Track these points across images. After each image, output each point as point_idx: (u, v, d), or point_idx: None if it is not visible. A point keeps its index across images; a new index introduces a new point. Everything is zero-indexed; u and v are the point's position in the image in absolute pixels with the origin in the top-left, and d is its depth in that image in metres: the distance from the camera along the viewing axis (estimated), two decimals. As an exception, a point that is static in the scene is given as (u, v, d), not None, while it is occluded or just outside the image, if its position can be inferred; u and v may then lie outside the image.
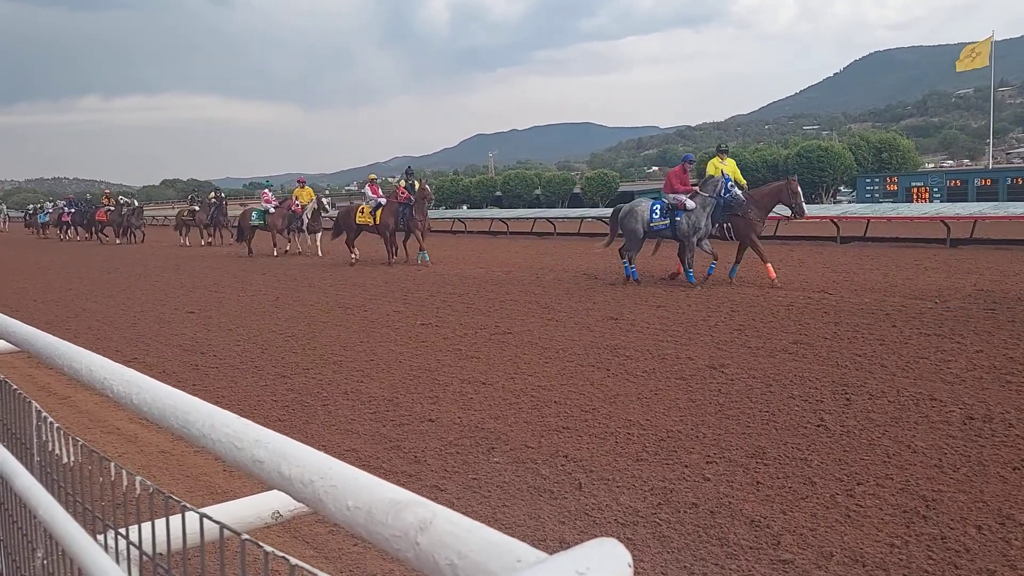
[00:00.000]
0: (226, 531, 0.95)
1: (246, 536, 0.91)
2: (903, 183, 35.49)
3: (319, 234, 21.39)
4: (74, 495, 1.43)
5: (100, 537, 1.24)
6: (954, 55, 33.03)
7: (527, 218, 29.25)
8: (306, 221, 21.36)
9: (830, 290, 10.82)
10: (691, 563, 3.40)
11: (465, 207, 57.32)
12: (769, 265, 11.58)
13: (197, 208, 28.65)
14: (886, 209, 22.14)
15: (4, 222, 52.95)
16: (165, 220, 48.89)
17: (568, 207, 53.76)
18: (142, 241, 30.02)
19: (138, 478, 1.15)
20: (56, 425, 1.53)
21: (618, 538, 0.58)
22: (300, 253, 21.67)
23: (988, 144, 52.26)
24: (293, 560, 0.83)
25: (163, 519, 1.09)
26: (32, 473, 1.59)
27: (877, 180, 38.33)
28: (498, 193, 66.40)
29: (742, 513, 3.85)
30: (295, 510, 1.19)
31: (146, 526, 1.12)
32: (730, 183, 11.88)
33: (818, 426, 5.08)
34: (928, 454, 4.49)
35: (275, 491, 0.80)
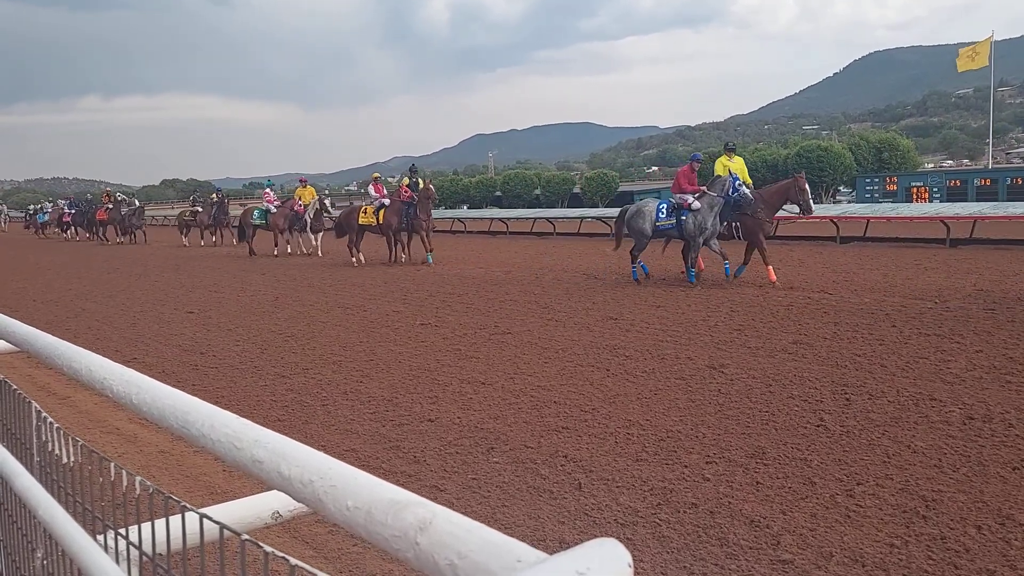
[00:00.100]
0: (226, 531, 0.95)
1: (246, 536, 0.91)
2: (903, 183, 35.50)
3: (321, 233, 21.33)
4: (74, 495, 1.43)
5: (100, 537, 1.24)
6: (954, 55, 33.03)
7: (527, 218, 29.27)
8: (309, 221, 21.26)
9: (830, 290, 10.82)
10: (691, 563, 3.40)
11: (465, 207, 57.32)
12: (770, 267, 11.56)
13: (199, 209, 28.56)
14: (886, 209, 22.17)
15: (5, 222, 52.90)
16: (165, 220, 48.89)
17: (568, 207, 53.78)
18: (144, 242, 29.99)
19: (138, 478, 1.15)
20: (56, 425, 1.53)
21: (618, 538, 0.58)
22: (303, 254, 21.51)
23: (988, 144, 52.27)
24: (293, 560, 0.83)
25: (163, 519, 1.09)
26: (32, 473, 1.59)
27: (877, 180, 38.34)
28: (498, 193, 66.40)
29: (742, 513, 3.85)
30: (295, 510, 1.19)
31: (146, 526, 1.12)
32: (738, 182, 11.79)
33: (818, 426, 5.09)
34: (928, 454, 4.49)
35: (275, 491, 0.80)
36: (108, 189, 38.31)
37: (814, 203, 12.72)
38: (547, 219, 27.86)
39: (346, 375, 7.09)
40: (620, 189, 63.13)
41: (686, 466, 4.51)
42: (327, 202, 21.92)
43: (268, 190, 24.11)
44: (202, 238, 27.98)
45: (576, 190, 66.55)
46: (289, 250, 21.81)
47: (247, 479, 1.06)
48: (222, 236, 27.52)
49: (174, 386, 1.06)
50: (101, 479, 1.27)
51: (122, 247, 28.82)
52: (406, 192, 17.29)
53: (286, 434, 0.82)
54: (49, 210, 41.88)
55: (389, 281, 14.34)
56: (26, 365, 7.31)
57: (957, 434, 4.80)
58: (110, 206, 31.74)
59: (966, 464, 4.32)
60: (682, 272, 12.56)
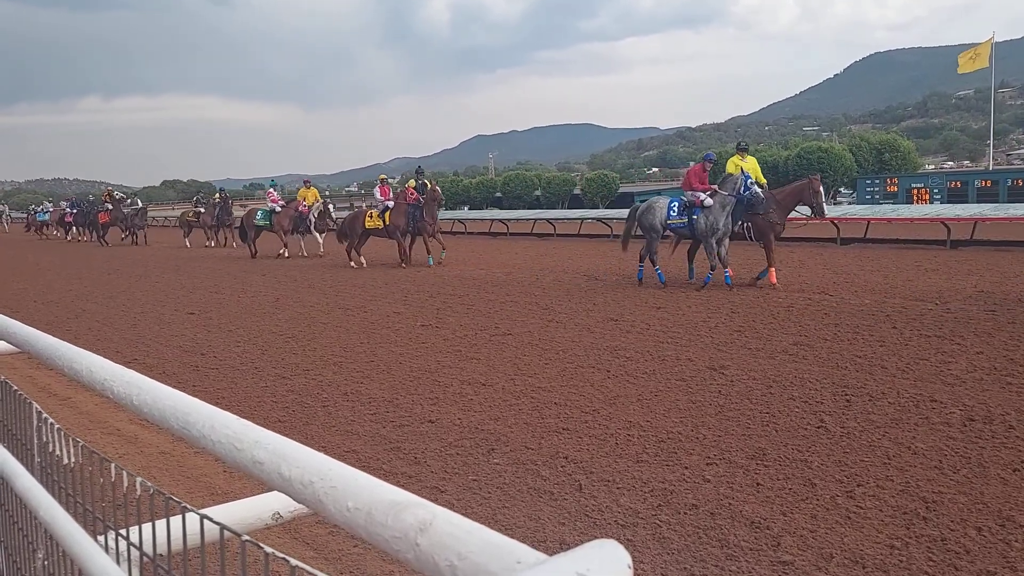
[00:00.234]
0: (226, 532, 0.95)
1: (246, 537, 0.91)
2: (903, 184, 35.51)
3: (324, 234, 21.23)
4: (75, 496, 1.44)
5: (101, 538, 1.24)
6: (954, 56, 33.03)
7: (527, 219, 29.27)
8: (313, 221, 21.14)
9: (830, 291, 10.82)
10: (691, 564, 3.40)
11: (465, 208, 57.33)
12: (773, 269, 11.52)
13: (202, 210, 28.39)
14: (886, 210, 22.16)
15: (7, 223, 52.89)
16: (165, 221, 48.88)
17: (568, 208, 53.78)
18: (144, 243, 29.95)
19: (138, 479, 1.15)
20: (57, 426, 1.54)
21: (618, 539, 0.58)
22: (305, 256, 21.37)
23: (988, 145, 52.27)
24: (293, 561, 0.83)
25: (163, 520, 1.09)
26: (33, 474, 1.59)
27: (877, 181, 38.35)
28: (498, 194, 66.39)
29: (742, 514, 3.85)
30: (295, 511, 1.20)
31: (146, 527, 1.12)
32: (750, 181, 11.63)
33: (818, 428, 5.08)
34: (928, 456, 4.49)
35: (275, 492, 0.80)
36: (109, 189, 38.25)
37: (816, 204, 12.52)
38: (547, 220, 27.86)
39: (347, 376, 7.10)
40: (620, 190, 63.13)
41: (686, 467, 4.51)
42: (330, 207, 21.77)
43: (272, 190, 23.86)
44: (208, 239, 27.72)
45: (576, 191, 66.56)
46: (287, 253, 21.47)
47: (248, 480, 1.06)
48: (227, 237, 27.27)
49: (175, 387, 1.06)
50: (102, 480, 1.28)
51: (122, 248, 28.79)
52: (412, 194, 17.19)
53: (287, 435, 0.82)
54: (50, 210, 41.83)
55: (390, 282, 14.34)
56: (27, 366, 7.31)
57: (958, 436, 4.80)
58: (110, 206, 31.69)
59: (966, 466, 4.32)
60: (701, 277, 12.11)
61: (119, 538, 1.18)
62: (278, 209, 21.75)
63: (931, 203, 31.29)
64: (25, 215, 50.88)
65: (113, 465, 1.23)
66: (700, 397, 5.92)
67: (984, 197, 29.89)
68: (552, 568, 0.53)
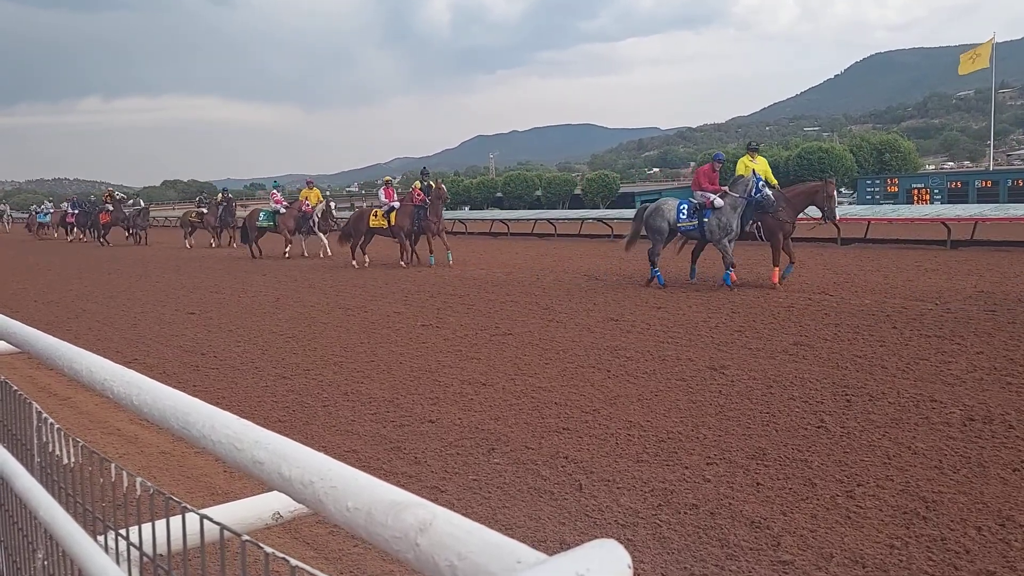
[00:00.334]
0: (226, 532, 0.95)
1: (246, 537, 0.91)
2: (904, 184, 35.48)
3: (328, 234, 21.18)
4: (75, 496, 1.44)
5: (100, 538, 1.24)
6: (954, 56, 33.03)
7: (528, 219, 29.26)
8: (316, 221, 21.05)
9: (830, 291, 10.82)
10: (691, 564, 3.40)
11: (466, 208, 57.32)
12: (777, 269, 11.49)
13: (205, 210, 28.28)
14: (887, 210, 22.14)
15: (8, 223, 52.87)
16: (166, 221, 48.87)
17: (569, 208, 53.77)
18: (144, 243, 29.92)
19: (138, 479, 1.15)
20: (57, 426, 1.54)
21: (618, 539, 0.58)
22: (310, 255, 21.32)
23: (989, 146, 52.26)
24: (293, 561, 0.83)
25: (163, 520, 1.09)
26: (33, 474, 1.59)
27: (878, 181, 38.32)
28: (499, 194, 66.39)
29: (742, 514, 3.85)
30: (295, 511, 1.20)
31: (146, 527, 1.12)
32: (761, 182, 11.49)
33: (818, 427, 5.08)
34: (928, 455, 4.49)
35: (275, 492, 0.80)
36: (111, 189, 38.22)
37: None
38: (548, 220, 27.85)
39: (347, 376, 7.10)
40: (621, 190, 63.11)
41: (687, 467, 4.51)
42: (332, 205, 21.73)
43: (275, 191, 23.74)
44: (215, 239, 27.54)
45: (577, 191, 66.55)
46: (288, 253, 21.44)
47: (248, 480, 1.06)
48: (231, 238, 27.07)
49: (175, 387, 1.06)
50: (102, 480, 1.28)
51: (123, 248, 28.77)
52: (418, 195, 17.12)
53: (287, 435, 0.82)
54: (51, 211, 41.75)
55: (390, 282, 14.34)
56: (27, 366, 7.31)
57: (957, 435, 4.80)
58: (110, 207, 31.66)
59: (966, 465, 4.32)
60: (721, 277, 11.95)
61: (119, 538, 1.18)
62: (282, 210, 21.65)
63: (931, 203, 31.27)
64: (27, 215, 50.84)
65: (113, 465, 1.23)
66: (700, 397, 5.92)
67: (984, 197, 29.86)
68: (552, 568, 0.53)
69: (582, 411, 5.67)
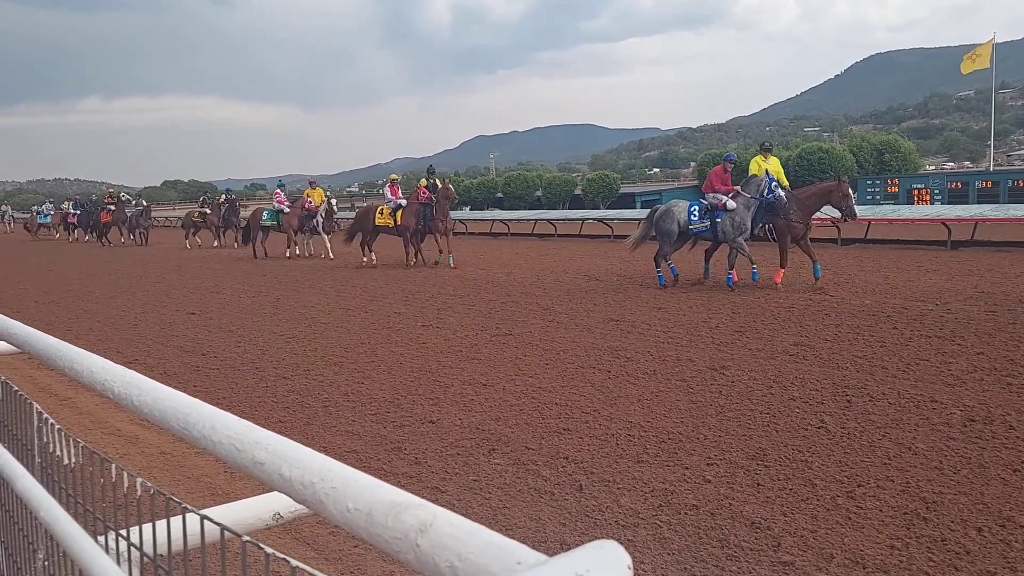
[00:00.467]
0: (227, 532, 0.95)
1: (247, 538, 0.91)
2: (904, 185, 35.47)
3: (331, 235, 21.15)
4: (75, 496, 1.44)
5: (101, 538, 1.24)
6: (955, 57, 33.04)
7: (528, 220, 29.26)
8: (320, 221, 20.99)
9: (831, 292, 10.82)
10: (691, 565, 3.40)
11: (467, 208, 57.30)
12: (781, 271, 11.46)
13: (208, 210, 28.21)
14: (887, 211, 22.13)
15: (9, 223, 52.87)
16: (167, 221, 48.87)
17: (569, 209, 53.77)
18: (145, 243, 29.89)
19: (139, 479, 1.15)
20: (57, 427, 1.54)
21: (619, 540, 0.58)
22: (310, 256, 21.20)
23: (989, 146, 52.25)
24: (294, 562, 0.84)
25: (164, 520, 1.09)
26: (33, 475, 1.59)
27: (878, 182, 38.30)
28: (499, 194, 66.37)
29: (743, 515, 3.85)
30: (296, 512, 1.20)
31: (147, 527, 1.12)
32: (774, 183, 11.41)
33: (819, 428, 5.08)
34: (929, 456, 4.49)
35: (276, 493, 0.80)
36: (111, 190, 38.19)
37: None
38: (548, 221, 27.85)
39: (347, 376, 7.10)
40: (621, 191, 63.09)
41: (687, 468, 4.51)
42: (333, 202, 21.69)
43: (279, 190, 23.67)
44: (218, 238, 27.45)
45: (577, 192, 66.53)
46: (298, 252, 21.18)
47: (248, 480, 1.06)
48: (236, 239, 27.01)
49: (175, 388, 1.06)
50: (102, 480, 1.28)
51: (124, 248, 28.77)
52: (424, 193, 16.99)
53: (287, 435, 0.82)
54: (52, 212, 41.71)
55: (391, 283, 14.34)
56: (27, 366, 7.32)
57: (958, 436, 4.80)
58: (112, 207, 31.63)
59: (967, 466, 4.32)
60: (728, 276, 11.82)
61: (119, 538, 1.18)
62: (286, 210, 21.58)
63: (932, 204, 31.25)
64: (28, 216, 50.83)
65: (114, 465, 1.23)
66: (701, 397, 5.92)
67: (985, 198, 29.85)
68: (552, 569, 0.53)
69: (582, 412, 5.67)
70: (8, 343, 1.75)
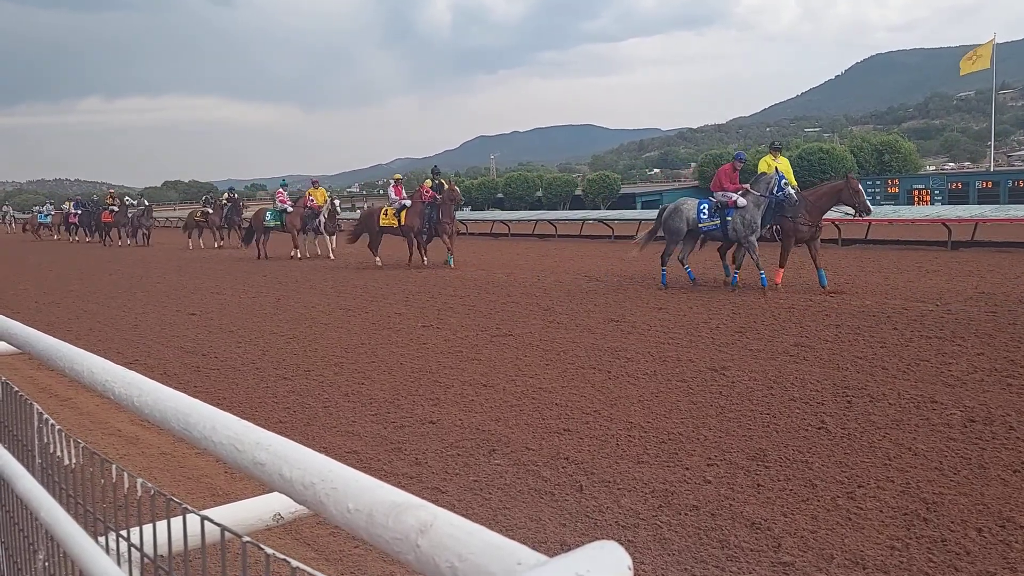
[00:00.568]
0: (227, 533, 0.95)
1: (247, 538, 0.91)
2: (904, 185, 35.46)
3: (334, 236, 21.13)
4: (75, 497, 1.44)
5: (101, 539, 1.24)
6: (955, 57, 33.04)
7: (528, 220, 29.26)
8: (323, 221, 20.93)
9: (831, 292, 10.81)
10: (692, 565, 3.40)
11: (467, 209, 57.29)
12: (782, 270, 11.43)
13: (211, 210, 28.17)
14: (887, 211, 22.12)
15: (10, 224, 52.90)
16: (167, 221, 48.88)
17: (570, 209, 53.77)
18: (146, 244, 29.86)
19: (139, 480, 1.15)
20: (57, 427, 1.54)
21: (619, 540, 0.58)
22: (312, 256, 21.15)
23: (989, 147, 52.24)
24: (294, 562, 0.84)
25: (164, 521, 1.09)
26: (34, 475, 1.59)
27: (878, 182, 38.29)
28: (500, 195, 66.35)
29: (743, 515, 3.85)
30: (296, 512, 1.20)
31: (147, 528, 1.12)
32: (783, 181, 11.31)
33: (819, 428, 5.08)
34: (929, 457, 4.49)
35: (276, 493, 0.80)
36: (112, 190, 38.17)
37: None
38: (549, 221, 27.85)
39: (348, 377, 7.10)
40: (622, 191, 63.09)
41: (687, 468, 4.51)
42: (337, 203, 21.63)
43: (282, 190, 23.61)
44: (220, 239, 27.35)
45: (578, 192, 66.52)
46: (299, 254, 21.09)
47: (249, 481, 1.06)
48: (239, 239, 26.91)
49: (176, 388, 1.06)
50: (103, 481, 1.28)
51: (124, 249, 28.76)
52: (428, 193, 16.93)
53: (288, 436, 0.82)
54: (52, 212, 41.71)
55: (391, 283, 14.34)
56: (28, 367, 7.32)
57: (958, 437, 4.80)
58: (115, 208, 31.62)
59: (967, 467, 4.32)
60: (736, 276, 11.85)
61: (120, 539, 1.18)
62: (289, 209, 21.51)
63: (932, 204, 31.26)
64: (28, 216, 50.86)
65: (114, 466, 1.23)
66: (701, 398, 5.92)
67: (985, 198, 29.83)
68: (552, 569, 0.53)
69: (583, 412, 5.67)
70: (8, 343, 1.75)
